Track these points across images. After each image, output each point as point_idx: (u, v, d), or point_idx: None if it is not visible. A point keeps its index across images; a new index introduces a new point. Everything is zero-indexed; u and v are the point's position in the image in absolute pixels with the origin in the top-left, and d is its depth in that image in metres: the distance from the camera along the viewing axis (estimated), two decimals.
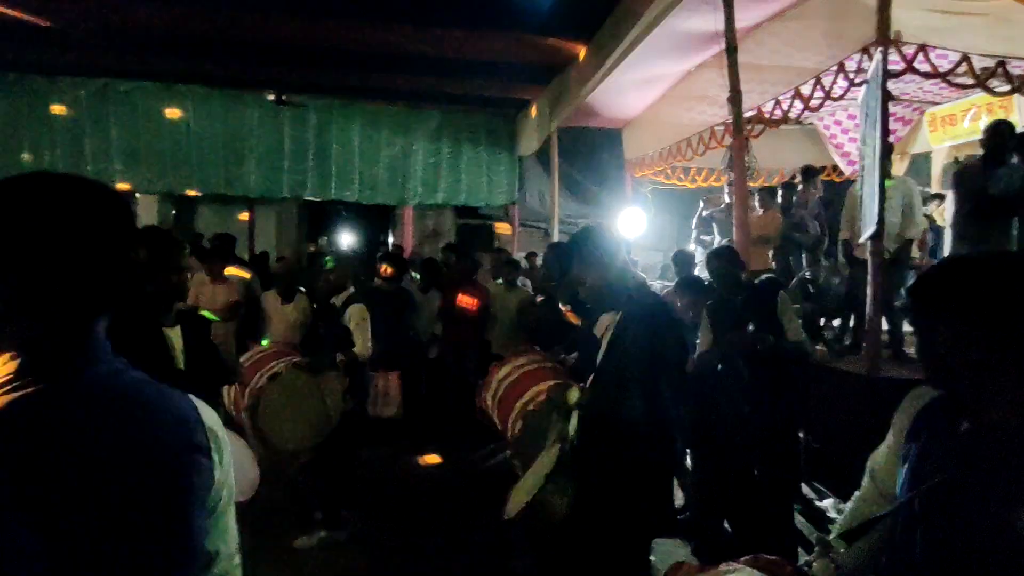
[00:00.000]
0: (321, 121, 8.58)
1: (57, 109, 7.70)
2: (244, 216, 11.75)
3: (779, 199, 6.22)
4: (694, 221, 7.43)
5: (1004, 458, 1.04)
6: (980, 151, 4.67)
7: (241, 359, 4.00)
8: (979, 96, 6.10)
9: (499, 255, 6.78)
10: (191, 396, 0.92)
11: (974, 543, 1.06)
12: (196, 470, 0.87)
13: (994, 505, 1.02)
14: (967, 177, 4.59)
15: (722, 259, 3.51)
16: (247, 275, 6.03)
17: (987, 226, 4.43)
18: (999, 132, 4.46)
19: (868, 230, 4.09)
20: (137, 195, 10.01)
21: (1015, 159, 4.57)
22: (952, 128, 7.00)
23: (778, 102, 5.44)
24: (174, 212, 11.75)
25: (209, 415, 0.93)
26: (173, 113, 8.07)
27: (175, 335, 2.18)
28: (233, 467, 0.97)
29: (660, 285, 7.25)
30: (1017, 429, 1.06)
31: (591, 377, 2.37)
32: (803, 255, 6.09)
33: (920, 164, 7.88)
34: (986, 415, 1.11)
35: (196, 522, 0.87)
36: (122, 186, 8.09)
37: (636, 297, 2.36)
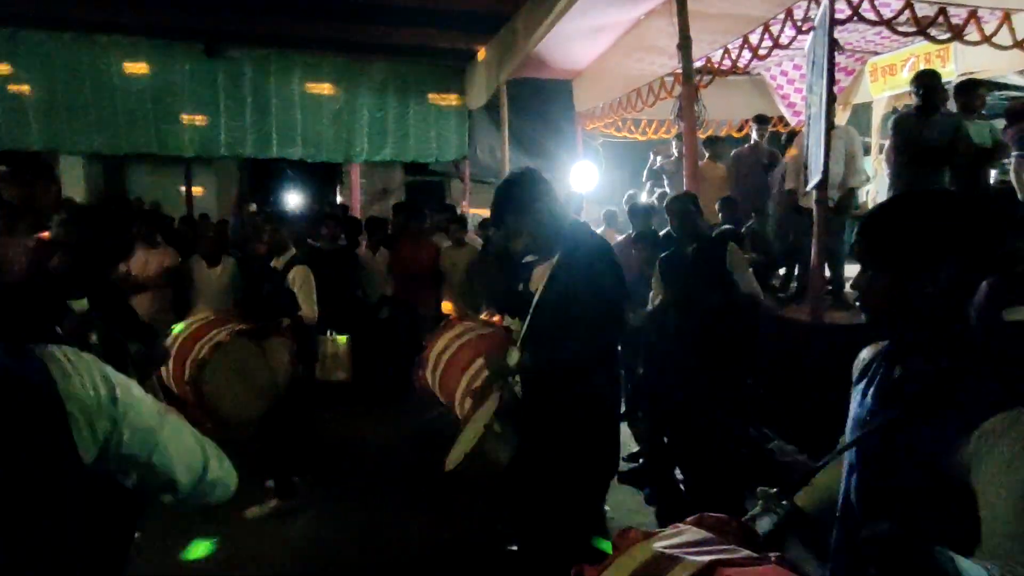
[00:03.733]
0: (257, 74, 8.09)
1: None
2: (181, 178, 11.17)
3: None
4: (645, 174, 7.43)
5: (928, 401, 1.06)
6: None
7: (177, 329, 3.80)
8: (918, 46, 6.21)
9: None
10: (47, 363, 0.88)
11: (902, 483, 1.09)
12: (32, 448, 0.84)
13: (920, 445, 1.05)
14: (903, 126, 4.67)
15: (683, 202, 3.55)
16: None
17: (923, 174, 4.55)
18: (926, 83, 4.51)
19: (814, 178, 4.15)
20: (60, 158, 9.38)
21: (947, 108, 4.68)
22: (892, 78, 7.13)
23: (727, 51, 5.40)
24: (103, 175, 11.06)
25: (68, 382, 0.88)
26: (93, 67, 7.46)
27: (82, 307, 2.02)
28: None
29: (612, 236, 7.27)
30: (937, 373, 1.09)
31: (526, 322, 2.23)
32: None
33: (861, 114, 8.05)
34: (913, 360, 1.14)
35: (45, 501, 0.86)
36: (40, 148, 7.52)
37: (573, 237, 2.22)
